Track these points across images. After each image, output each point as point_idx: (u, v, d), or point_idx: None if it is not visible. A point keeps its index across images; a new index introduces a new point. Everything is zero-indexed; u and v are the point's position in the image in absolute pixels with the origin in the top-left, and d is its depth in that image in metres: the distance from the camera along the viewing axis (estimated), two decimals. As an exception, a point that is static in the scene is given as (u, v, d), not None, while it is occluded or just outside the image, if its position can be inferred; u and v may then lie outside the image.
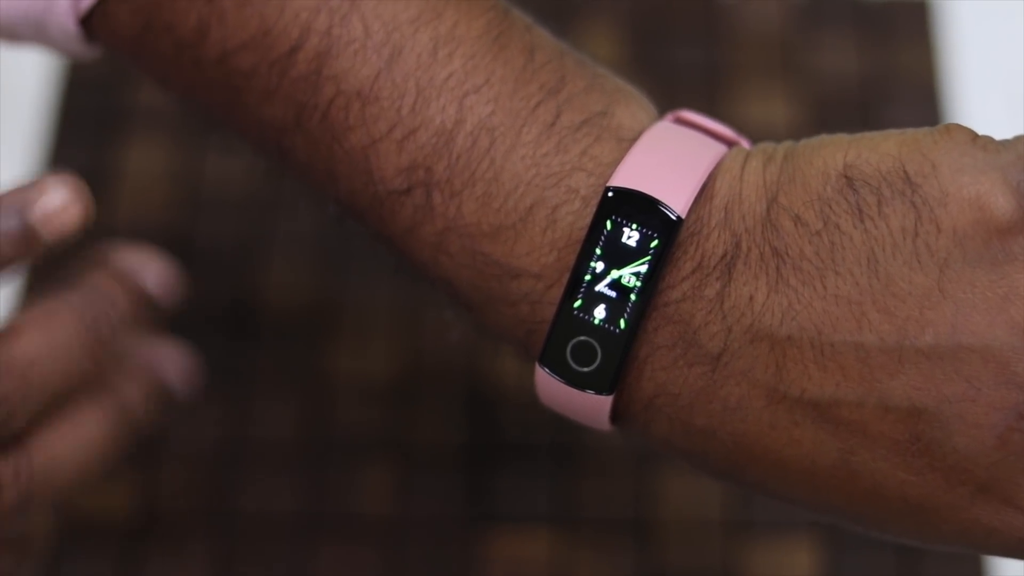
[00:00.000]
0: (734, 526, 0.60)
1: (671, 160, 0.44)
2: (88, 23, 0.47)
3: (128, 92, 0.69)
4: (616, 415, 0.45)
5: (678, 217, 0.43)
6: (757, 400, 0.42)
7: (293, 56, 0.45)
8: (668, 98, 0.70)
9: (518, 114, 0.44)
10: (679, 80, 0.70)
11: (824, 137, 0.45)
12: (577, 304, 0.43)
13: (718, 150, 0.45)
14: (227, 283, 0.65)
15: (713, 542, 0.60)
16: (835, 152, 0.44)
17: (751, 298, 0.42)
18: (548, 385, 0.44)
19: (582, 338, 0.43)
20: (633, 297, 0.43)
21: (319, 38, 0.44)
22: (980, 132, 0.64)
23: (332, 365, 0.63)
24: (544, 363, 0.44)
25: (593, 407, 0.44)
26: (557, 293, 0.44)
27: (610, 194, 0.43)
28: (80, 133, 0.68)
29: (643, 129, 0.45)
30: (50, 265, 0.65)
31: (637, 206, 0.43)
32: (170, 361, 0.53)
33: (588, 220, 0.43)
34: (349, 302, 0.64)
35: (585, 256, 0.43)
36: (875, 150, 0.43)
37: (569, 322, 0.43)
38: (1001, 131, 0.69)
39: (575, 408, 0.44)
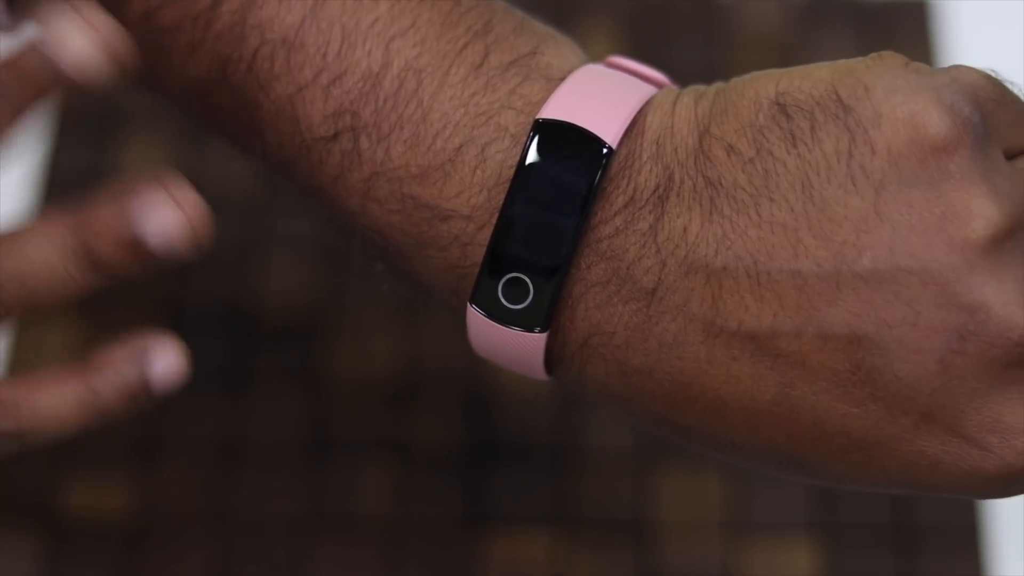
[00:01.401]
0: (733, 526, 0.60)
1: (601, 95, 0.43)
2: None
3: (129, 91, 0.69)
4: (551, 361, 0.44)
5: (609, 148, 0.42)
6: (694, 335, 0.41)
7: (217, 8, 0.44)
8: (668, 98, 0.70)
9: (445, 55, 0.44)
10: (678, 81, 0.70)
11: (757, 72, 0.44)
12: (506, 249, 0.42)
13: (648, 89, 0.45)
14: (227, 283, 0.65)
15: (713, 542, 0.60)
16: (767, 82, 0.43)
17: (685, 229, 0.41)
18: (481, 327, 0.43)
19: (514, 275, 0.42)
20: (565, 233, 0.42)
21: None
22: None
23: (332, 365, 0.63)
24: (475, 302, 0.43)
25: (527, 348, 0.43)
26: (488, 233, 0.43)
27: (539, 127, 0.42)
28: (80, 133, 0.68)
29: (572, 69, 0.44)
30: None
31: (567, 138, 0.42)
32: (157, 354, 0.47)
33: (518, 157, 0.42)
34: (349, 302, 0.64)
35: (513, 201, 0.42)
36: (807, 78, 0.42)
37: (501, 259, 0.42)
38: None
39: (509, 352, 0.43)
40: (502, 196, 0.42)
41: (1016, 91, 0.42)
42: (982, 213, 0.40)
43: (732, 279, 0.41)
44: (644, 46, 0.71)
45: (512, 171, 0.42)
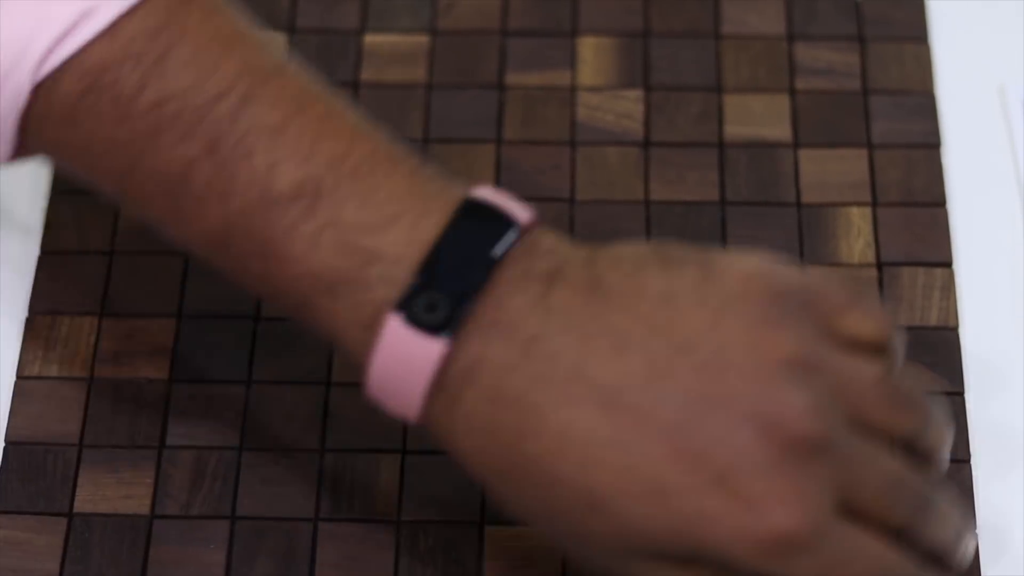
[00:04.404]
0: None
1: (507, 198, 0.54)
2: (36, 89, 0.55)
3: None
4: (435, 385, 0.53)
5: (520, 225, 0.53)
6: (558, 377, 0.51)
7: (218, 102, 0.54)
8: (669, 97, 0.70)
9: (393, 157, 0.55)
10: (679, 80, 0.71)
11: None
12: (428, 279, 0.53)
13: (533, 214, 0.55)
14: (228, 283, 0.65)
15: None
16: (645, 244, 0.54)
17: (568, 304, 0.52)
18: (394, 335, 0.52)
19: (431, 294, 0.52)
20: (474, 281, 0.52)
21: (241, 92, 0.55)
22: (977, 132, 0.66)
23: (334, 365, 0.63)
24: (398, 308, 0.52)
25: (425, 359, 0.52)
26: (409, 277, 0.53)
27: (465, 204, 0.54)
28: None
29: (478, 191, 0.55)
30: (61, 256, 0.65)
31: (486, 214, 0.54)
32: None
33: (442, 227, 0.53)
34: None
35: (439, 248, 0.53)
36: (676, 244, 0.54)
37: (421, 285, 0.52)
38: (998, 130, 0.69)
39: (406, 366, 0.53)
40: (427, 250, 0.53)
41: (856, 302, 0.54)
42: (791, 342, 0.52)
43: (598, 343, 0.51)
44: (644, 45, 0.71)
45: (438, 234, 0.53)
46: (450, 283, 0.52)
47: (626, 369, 0.51)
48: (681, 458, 0.50)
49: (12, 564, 0.59)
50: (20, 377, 0.63)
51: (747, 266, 0.53)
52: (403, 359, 0.52)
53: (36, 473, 0.61)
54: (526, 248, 0.53)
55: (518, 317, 0.52)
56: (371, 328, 0.53)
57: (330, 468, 0.61)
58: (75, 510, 0.60)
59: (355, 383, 0.62)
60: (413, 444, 0.61)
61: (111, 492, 0.61)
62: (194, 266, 0.65)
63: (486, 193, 0.54)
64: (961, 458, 0.61)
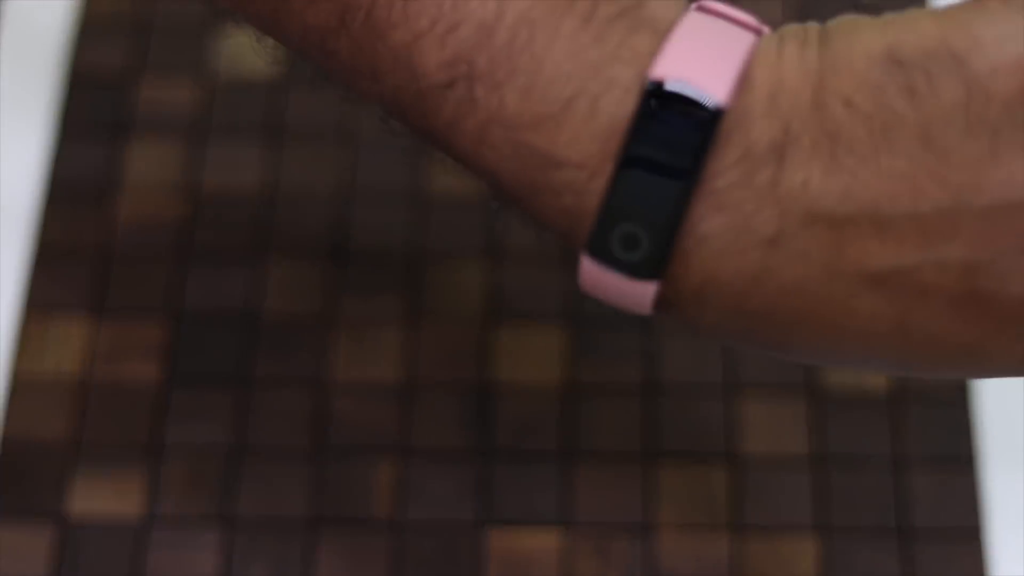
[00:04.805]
0: (737, 528, 0.60)
1: (708, 50, 0.43)
2: None
3: (132, 92, 0.69)
4: (663, 304, 0.45)
5: (719, 105, 0.42)
6: (814, 279, 0.43)
7: None
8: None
9: (556, 8, 0.44)
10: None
11: (856, 20, 0.44)
12: (620, 199, 0.43)
13: (750, 38, 0.44)
14: (230, 284, 0.65)
15: (717, 544, 0.60)
16: (874, 36, 0.43)
17: (805, 183, 0.42)
18: (593, 274, 0.44)
19: (628, 225, 0.43)
20: (676, 203, 0.42)
21: None
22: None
23: (333, 366, 0.63)
24: (589, 251, 0.43)
25: (638, 295, 0.44)
26: (600, 183, 0.43)
27: (651, 85, 0.43)
28: (84, 133, 0.68)
29: (675, 19, 0.45)
30: (57, 254, 0.65)
31: (678, 96, 0.43)
32: None
33: (630, 109, 0.43)
34: (350, 302, 0.64)
35: (626, 153, 0.43)
36: (914, 31, 0.43)
37: (614, 210, 0.43)
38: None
39: (619, 295, 0.44)
40: (614, 147, 0.43)
41: None
42: None
43: (854, 227, 0.42)
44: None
45: (624, 123, 0.43)
46: (647, 205, 0.43)
47: (896, 249, 0.42)
48: (985, 322, 0.43)
49: (3, 567, 0.59)
50: (14, 376, 0.63)
51: (1013, 55, 0.42)
52: (612, 295, 0.45)
53: (29, 474, 0.61)
54: (739, 118, 0.43)
55: (749, 217, 0.43)
56: (571, 238, 0.45)
57: (329, 469, 0.61)
58: (68, 511, 0.60)
59: (355, 383, 0.63)
60: (413, 444, 0.61)
61: (105, 493, 0.61)
62: (192, 265, 0.65)
63: (673, 59, 0.43)
64: (968, 458, 0.61)
